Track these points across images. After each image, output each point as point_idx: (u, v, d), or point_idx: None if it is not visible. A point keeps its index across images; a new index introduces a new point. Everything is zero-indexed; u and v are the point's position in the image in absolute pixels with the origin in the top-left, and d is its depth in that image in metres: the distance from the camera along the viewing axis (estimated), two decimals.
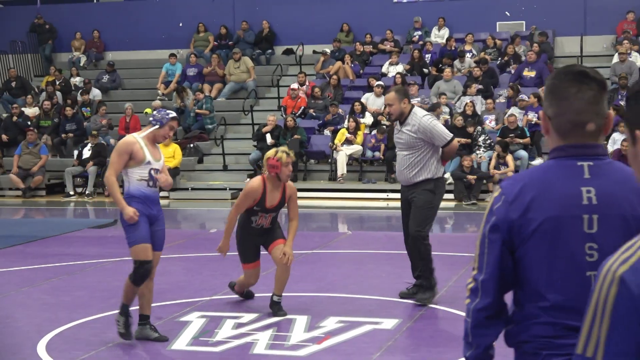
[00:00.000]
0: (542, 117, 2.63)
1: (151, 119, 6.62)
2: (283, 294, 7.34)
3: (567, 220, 2.51)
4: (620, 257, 1.73)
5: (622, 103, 17.83)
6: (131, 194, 6.44)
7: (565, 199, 2.52)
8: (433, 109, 18.28)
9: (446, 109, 18.42)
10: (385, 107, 18.62)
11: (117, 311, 6.56)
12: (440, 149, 7.70)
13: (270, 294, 7.38)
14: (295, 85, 20.08)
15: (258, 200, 7.15)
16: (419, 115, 7.64)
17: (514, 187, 2.56)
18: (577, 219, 2.51)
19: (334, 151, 17.78)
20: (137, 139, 6.56)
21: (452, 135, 7.74)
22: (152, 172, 6.51)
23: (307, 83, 20.13)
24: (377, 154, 17.80)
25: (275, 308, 7.32)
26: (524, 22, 22.07)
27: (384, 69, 20.85)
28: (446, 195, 17.14)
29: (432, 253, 7.66)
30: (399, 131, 7.71)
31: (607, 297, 1.69)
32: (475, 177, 16.39)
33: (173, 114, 6.71)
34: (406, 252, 7.92)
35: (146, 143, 6.54)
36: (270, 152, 7.30)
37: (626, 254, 1.72)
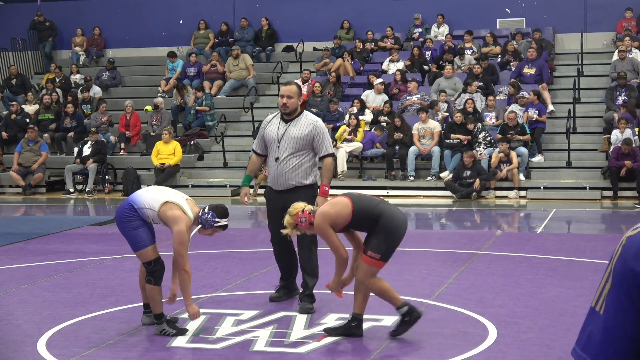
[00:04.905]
0: None
1: (199, 218, 6.60)
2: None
3: None
4: (638, 225, 1.86)
5: (621, 99, 17.80)
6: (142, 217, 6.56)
7: None
8: (431, 106, 18.28)
9: (444, 105, 18.42)
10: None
11: (119, 306, 6.55)
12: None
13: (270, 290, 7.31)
14: (296, 82, 20.06)
15: None
16: (314, 118, 7.42)
17: None
18: None
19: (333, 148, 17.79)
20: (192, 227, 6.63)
21: (333, 151, 7.27)
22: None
23: (310, 80, 20.09)
24: (377, 148, 17.81)
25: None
26: (524, 19, 22.07)
27: (384, 66, 20.85)
28: (446, 192, 17.26)
29: (431, 250, 7.64)
30: (285, 130, 7.34)
31: (614, 256, 1.84)
32: (479, 185, 16.30)
33: (221, 222, 6.64)
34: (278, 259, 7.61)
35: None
36: None
37: None
